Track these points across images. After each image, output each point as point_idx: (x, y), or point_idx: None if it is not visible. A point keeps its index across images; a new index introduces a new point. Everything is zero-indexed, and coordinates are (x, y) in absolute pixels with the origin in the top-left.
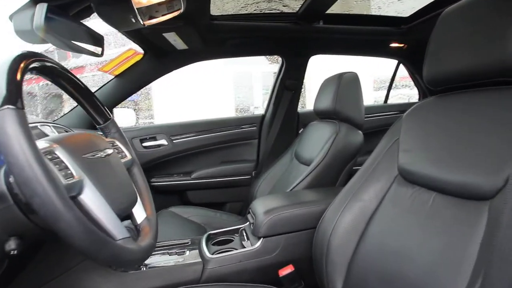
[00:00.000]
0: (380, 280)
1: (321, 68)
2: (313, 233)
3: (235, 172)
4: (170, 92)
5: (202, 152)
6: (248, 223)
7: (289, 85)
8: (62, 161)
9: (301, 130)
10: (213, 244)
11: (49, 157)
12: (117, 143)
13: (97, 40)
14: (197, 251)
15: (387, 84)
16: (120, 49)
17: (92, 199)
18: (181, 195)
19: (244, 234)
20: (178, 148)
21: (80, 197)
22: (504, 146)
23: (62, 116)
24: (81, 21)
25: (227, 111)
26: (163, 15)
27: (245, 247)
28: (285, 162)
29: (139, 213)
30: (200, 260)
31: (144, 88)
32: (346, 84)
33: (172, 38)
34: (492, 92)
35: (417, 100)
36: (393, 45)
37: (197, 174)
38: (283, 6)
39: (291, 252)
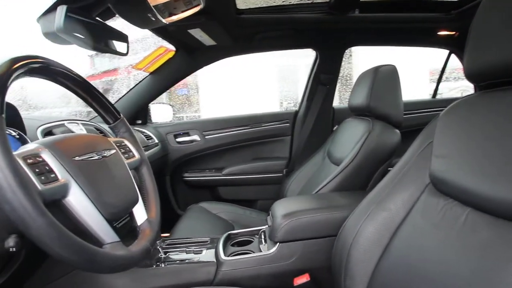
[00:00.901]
0: None
1: (371, 58)
2: (333, 242)
3: (266, 169)
4: (216, 86)
5: (234, 148)
6: (267, 226)
7: (323, 79)
8: (46, 164)
9: (335, 127)
10: (232, 245)
11: (30, 161)
12: (126, 142)
13: (122, 39)
14: (213, 250)
15: (446, 75)
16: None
17: (78, 202)
18: (212, 191)
19: (263, 237)
20: (210, 144)
21: (65, 200)
22: None
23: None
24: (106, 21)
25: (271, 105)
26: (182, 12)
27: (261, 251)
28: (318, 161)
29: (140, 214)
30: (214, 261)
31: (193, 83)
32: (383, 78)
33: (198, 34)
34: None
35: None
36: (442, 33)
37: (228, 170)
38: None
39: (309, 260)
